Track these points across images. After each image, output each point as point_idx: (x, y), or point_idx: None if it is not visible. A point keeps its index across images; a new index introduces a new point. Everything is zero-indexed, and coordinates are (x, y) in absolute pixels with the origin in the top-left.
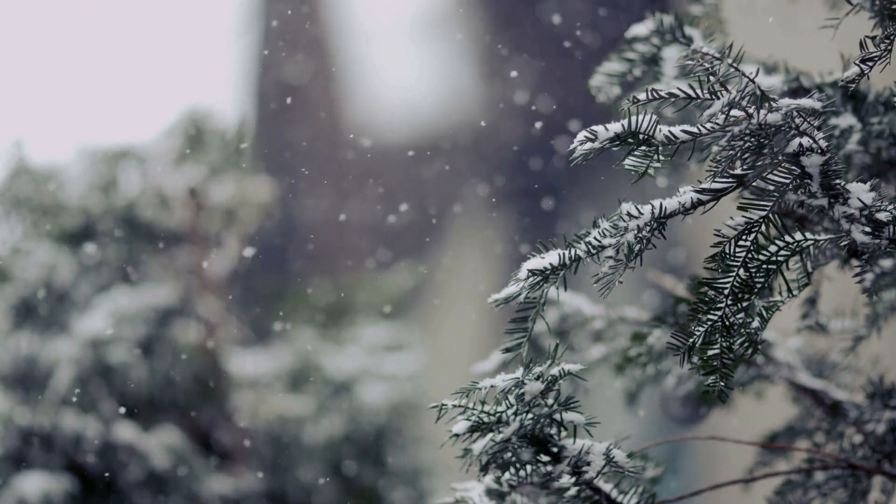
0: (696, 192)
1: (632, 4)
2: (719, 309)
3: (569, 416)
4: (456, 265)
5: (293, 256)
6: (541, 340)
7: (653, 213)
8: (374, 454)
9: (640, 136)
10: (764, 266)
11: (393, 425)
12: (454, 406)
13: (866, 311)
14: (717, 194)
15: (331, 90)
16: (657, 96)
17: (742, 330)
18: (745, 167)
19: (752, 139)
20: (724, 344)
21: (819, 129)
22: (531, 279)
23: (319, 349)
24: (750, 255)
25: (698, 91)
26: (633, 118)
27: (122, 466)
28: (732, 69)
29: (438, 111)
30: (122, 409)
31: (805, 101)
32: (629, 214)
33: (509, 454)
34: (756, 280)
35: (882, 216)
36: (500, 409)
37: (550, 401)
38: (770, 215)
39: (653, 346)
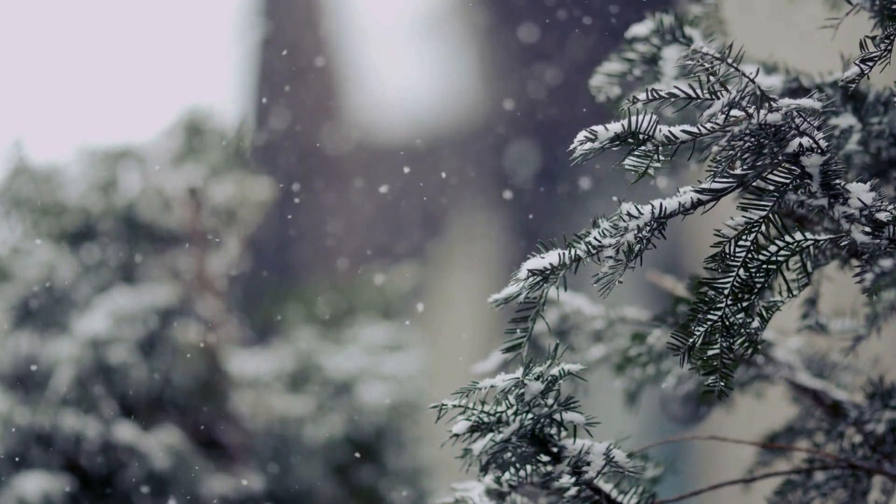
0: (696, 192)
1: (632, 4)
2: (719, 309)
3: (569, 416)
4: (455, 265)
5: (293, 256)
6: (541, 340)
7: (653, 213)
8: (374, 454)
9: (640, 136)
10: (764, 266)
11: (393, 425)
12: (454, 406)
13: (866, 311)
14: (717, 194)
15: (330, 90)
16: (657, 96)
17: (742, 330)
18: (745, 167)
19: (752, 139)
20: (724, 344)
21: (819, 129)
22: (531, 279)
23: (319, 349)
24: (750, 255)
25: (698, 91)
26: (633, 118)
27: (122, 466)
28: (732, 69)
29: (438, 111)
30: (122, 409)
31: (805, 101)
32: (629, 214)
33: (509, 454)
34: (756, 280)
35: (882, 216)
36: (500, 409)
37: (550, 401)
38: (770, 215)
39: (653, 346)
